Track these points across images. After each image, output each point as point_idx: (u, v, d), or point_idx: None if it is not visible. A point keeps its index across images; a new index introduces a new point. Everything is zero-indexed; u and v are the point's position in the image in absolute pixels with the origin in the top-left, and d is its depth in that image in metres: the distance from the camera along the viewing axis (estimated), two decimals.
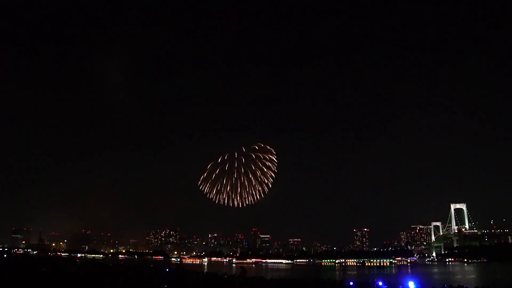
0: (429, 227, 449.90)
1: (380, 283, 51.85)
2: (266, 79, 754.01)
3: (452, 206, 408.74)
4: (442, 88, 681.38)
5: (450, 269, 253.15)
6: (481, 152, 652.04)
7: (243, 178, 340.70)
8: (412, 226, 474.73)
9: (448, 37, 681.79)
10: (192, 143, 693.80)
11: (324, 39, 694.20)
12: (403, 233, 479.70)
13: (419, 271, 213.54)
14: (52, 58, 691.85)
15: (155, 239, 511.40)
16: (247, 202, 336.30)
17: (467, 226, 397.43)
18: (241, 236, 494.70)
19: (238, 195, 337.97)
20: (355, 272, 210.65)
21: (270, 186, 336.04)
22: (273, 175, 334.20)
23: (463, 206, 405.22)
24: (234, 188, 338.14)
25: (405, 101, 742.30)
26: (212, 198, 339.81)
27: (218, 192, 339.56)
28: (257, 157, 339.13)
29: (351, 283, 50.21)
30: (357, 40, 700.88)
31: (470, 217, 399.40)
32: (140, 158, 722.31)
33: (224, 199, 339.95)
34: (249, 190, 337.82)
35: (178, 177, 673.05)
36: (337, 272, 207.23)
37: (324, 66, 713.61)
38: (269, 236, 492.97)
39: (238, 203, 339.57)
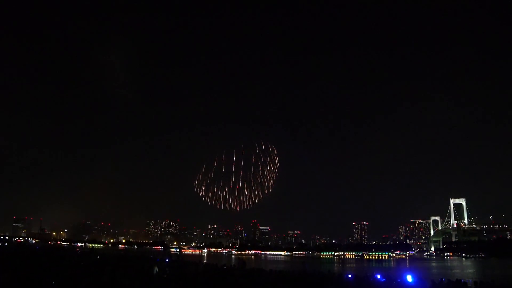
0: (428, 221, 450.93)
1: (378, 276, 51.96)
2: (267, 73, 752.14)
3: (452, 201, 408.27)
4: (441, 82, 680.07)
5: (448, 264, 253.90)
6: (481, 147, 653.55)
7: (242, 182, 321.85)
8: (411, 220, 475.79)
9: (448, 32, 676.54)
10: (193, 136, 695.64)
11: (325, 35, 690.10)
12: (402, 227, 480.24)
13: (417, 265, 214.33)
14: (54, 50, 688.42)
15: (155, 230, 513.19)
16: (245, 207, 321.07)
17: (466, 221, 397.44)
18: (240, 227, 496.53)
19: (235, 200, 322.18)
20: (354, 265, 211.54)
21: (271, 190, 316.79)
22: (275, 177, 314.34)
23: (462, 201, 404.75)
24: (232, 192, 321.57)
25: (405, 95, 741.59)
26: (208, 201, 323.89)
27: (214, 196, 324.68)
28: (258, 156, 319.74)
29: (350, 276, 50.31)
30: (358, 35, 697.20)
31: (469, 212, 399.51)
32: (141, 149, 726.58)
33: (221, 202, 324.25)
34: (247, 194, 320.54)
35: (179, 169, 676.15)
36: (335, 265, 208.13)
37: (323, 63, 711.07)
38: (268, 228, 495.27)
39: (235, 207, 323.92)
